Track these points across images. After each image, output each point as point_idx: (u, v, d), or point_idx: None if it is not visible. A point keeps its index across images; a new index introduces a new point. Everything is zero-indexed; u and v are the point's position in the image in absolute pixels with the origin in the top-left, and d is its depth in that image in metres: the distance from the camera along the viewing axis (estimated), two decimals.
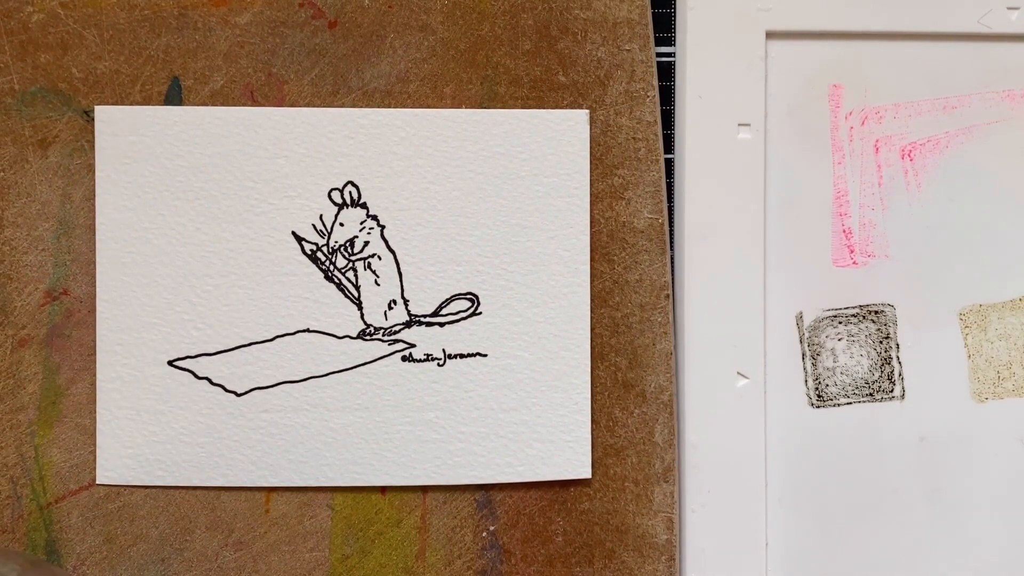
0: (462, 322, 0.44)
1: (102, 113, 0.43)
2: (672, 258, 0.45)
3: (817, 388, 0.46)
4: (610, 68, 0.44)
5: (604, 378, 0.44)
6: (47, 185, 0.43)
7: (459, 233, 0.44)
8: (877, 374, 0.46)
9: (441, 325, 0.44)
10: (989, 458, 0.47)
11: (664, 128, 0.45)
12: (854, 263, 0.46)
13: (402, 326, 0.44)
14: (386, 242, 0.44)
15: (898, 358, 0.46)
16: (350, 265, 0.44)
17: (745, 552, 0.45)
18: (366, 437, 0.44)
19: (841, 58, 0.46)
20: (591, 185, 0.44)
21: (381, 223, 0.44)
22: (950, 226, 0.46)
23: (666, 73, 0.46)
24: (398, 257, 0.44)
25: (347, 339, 0.44)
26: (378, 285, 0.44)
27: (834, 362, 0.46)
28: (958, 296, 0.46)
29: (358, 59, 0.44)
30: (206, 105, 0.43)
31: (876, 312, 0.46)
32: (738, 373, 0.45)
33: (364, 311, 0.44)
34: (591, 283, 0.44)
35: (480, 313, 0.44)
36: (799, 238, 0.46)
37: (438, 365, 0.44)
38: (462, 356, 0.44)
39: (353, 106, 0.44)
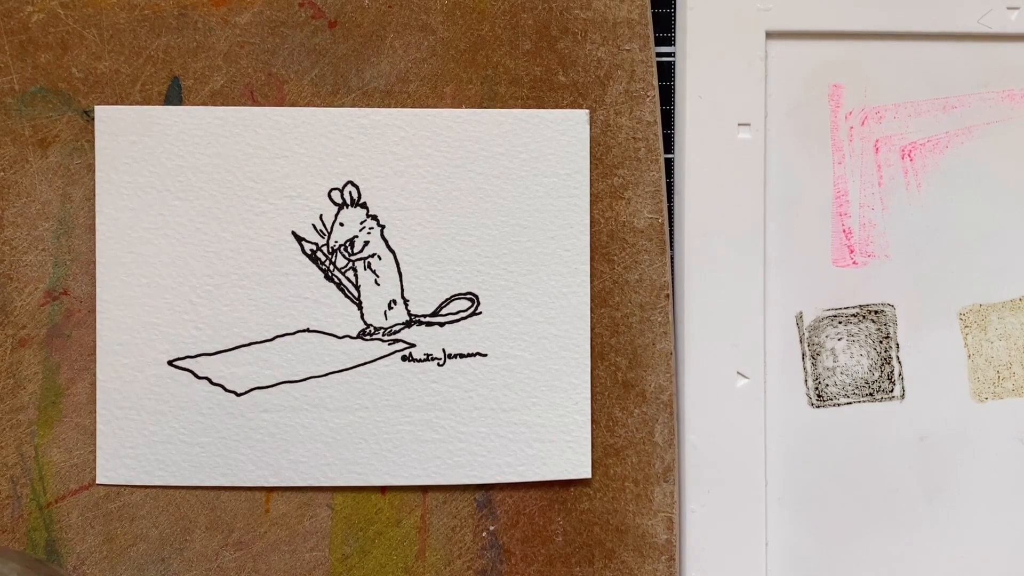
0: (462, 322, 0.44)
1: (102, 113, 0.43)
2: (672, 258, 0.45)
3: (817, 388, 0.46)
4: (610, 68, 0.44)
5: (604, 378, 0.44)
6: (47, 185, 0.43)
7: (459, 233, 0.44)
8: (877, 374, 0.46)
9: (441, 325, 0.44)
10: (989, 458, 0.46)
11: (664, 128, 0.45)
12: (854, 263, 0.46)
13: (402, 326, 0.44)
14: (386, 242, 0.44)
15: (898, 358, 0.46)
16: (350, 265, 0.44)
17: (745, 552, 0.45)
18: (366, 437, 0.44)
19: (841, 58, 0.46)
20: (591, 185, 0.44)
21: (381, 223, 0.44)
22: (950, 226, 0.46)
23: (666, 73, 0.46)
24: (398, 257, 0.44)
25: (347, 339, 0.44)
26: (378, 285, 0.44)
27: (834, 362, 0.46)
28: (958, 296, 0.46)
29: (358, 59, 0.44)
30: (206, 105, 0.43)
31: (876, 312, 0.46)
32: (738, 373, 0.45)
33: (364, 311, 0.44)
34: (591, 283, 0.44)
35: (480, 313, 0.44)
36: (799, 238, 0.46)
37: (438, 365, 0.44)
38: (462, 356, 0.44)
39: (353, 106, 0.44)
